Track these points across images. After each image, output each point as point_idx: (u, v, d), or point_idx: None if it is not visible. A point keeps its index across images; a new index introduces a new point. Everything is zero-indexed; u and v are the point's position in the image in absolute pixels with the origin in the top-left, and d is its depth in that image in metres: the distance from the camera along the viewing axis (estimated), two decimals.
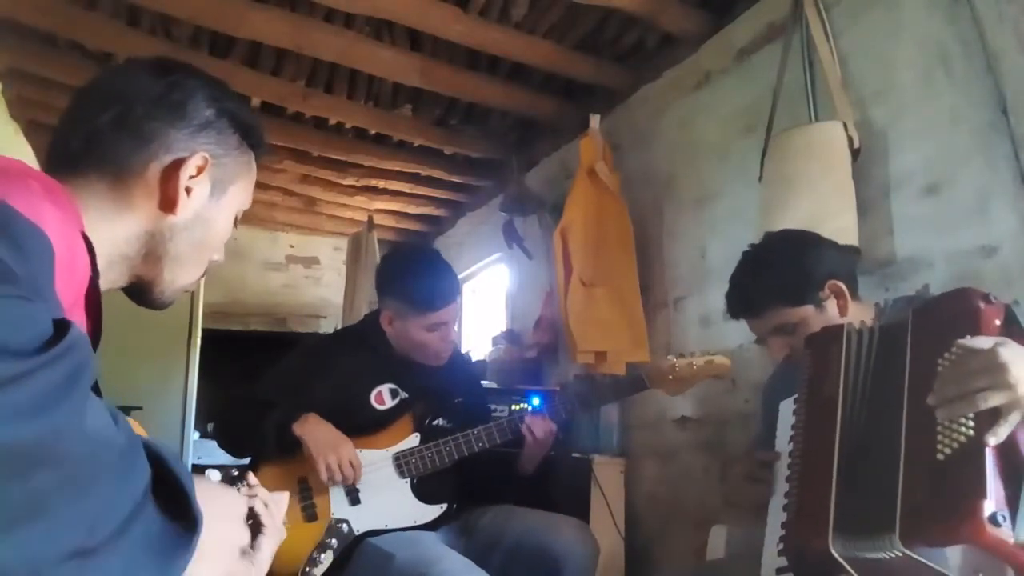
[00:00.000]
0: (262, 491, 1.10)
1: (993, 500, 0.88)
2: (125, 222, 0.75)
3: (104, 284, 0.78)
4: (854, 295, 1.40)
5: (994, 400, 0.91)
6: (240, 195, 0.86)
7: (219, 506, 0.75)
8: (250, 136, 0.86)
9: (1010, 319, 1.02)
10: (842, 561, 1.01)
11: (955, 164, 1.75)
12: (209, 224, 0.82)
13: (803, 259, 1.39)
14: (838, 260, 1.43)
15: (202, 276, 0.87)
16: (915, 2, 1.86)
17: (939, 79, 1.79)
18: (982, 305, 1.02)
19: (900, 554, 0.95)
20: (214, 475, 1.13)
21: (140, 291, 0.82)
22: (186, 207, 0.78)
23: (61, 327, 0.49)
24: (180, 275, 0.82)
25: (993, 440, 0.90)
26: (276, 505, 1.10)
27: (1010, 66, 1.62)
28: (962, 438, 0.93)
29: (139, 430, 0.90)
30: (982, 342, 0.95)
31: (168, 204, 0.76)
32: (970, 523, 0.88)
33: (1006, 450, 0.91)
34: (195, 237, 0.81)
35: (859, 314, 1.37)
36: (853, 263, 1.46)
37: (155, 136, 0.76)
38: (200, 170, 0.78)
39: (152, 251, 0.78)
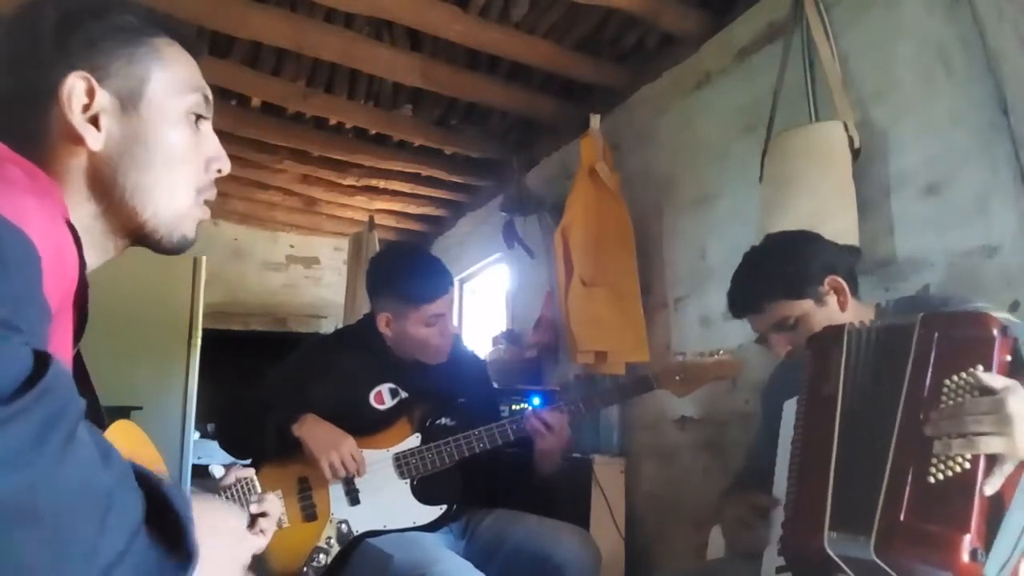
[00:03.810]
0: (269, 500, 1.11)
1: (975, 536, 0.89)
2: (70, 185, 0.69)
3: (101, 257, 0.74)
4: (854, 293, 1.41)
5: (995, 448, 0.92)
6: (168, 90, 0.74)
7: (221, 526, 0.73)
8: (136, 25, 0.74)
9: (1016, 355, 1.01)
10: (838, 560, 1.01)
11: (955, 164, 1.74)
12: (145, 138, 0.72)
13: (801, 253, 1.41)
14: (836, 256, 1.44)
15: (200, 194, 0.78)
16: (915, 2, 1.86)
17: (939, 79, 1.78)
18: (998, 336, 1.00)
19: (871, 561, 0.96)
20: (217, 470, 1.14)
21: (145, 241, 0.75)
22: (99, 137, 0.69)
23: (41, 362, 0.45)
24: (159, 204, 0.73)
25: (989, 490, 0.92)
26: (273, 517, 1.11)
27: (1010, 66, 1.62)
28: (958, 468, 0.94)
29: (136, 433, 0.90)
30: (994, 380, 0.95)
31: (79, 141, 0.68)
32: (950, 553, 0.89)
33: (993, 493, 0.93)
34: (139, 159, 0.71)
35: (860, 313, 1.38)
36: (852, 262, 1.47)
37: (29, 89, 0.69)
38: (90, 93, 0.69)
39: (109, 195, 0.71)
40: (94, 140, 0.69)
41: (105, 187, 0.71)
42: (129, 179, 0.71)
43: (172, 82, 0.75)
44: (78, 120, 0.68)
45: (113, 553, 0.45)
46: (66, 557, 0.42)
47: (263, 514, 1.10)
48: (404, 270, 1.80)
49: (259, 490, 1.13)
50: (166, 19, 0.77)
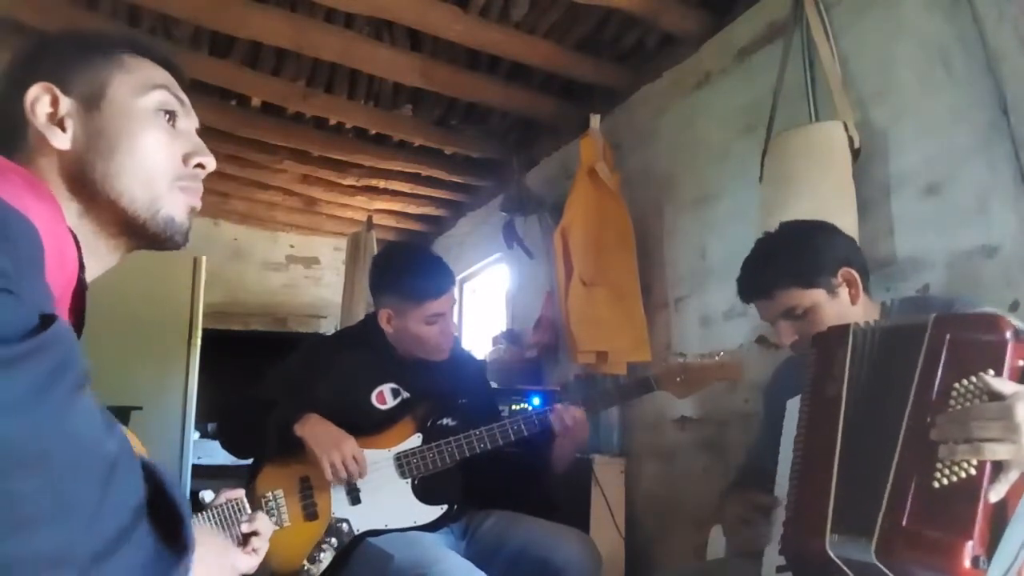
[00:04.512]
0: (259, 519, 1.11)
1: (978, 542, 0.89)
2: (50, 187, 0.72)
3: (99, 262, 0.76)
4: (866, 288, 1.39)
5: (1001, 454, 0.91)
6: (130, 90, 0.78)
7: (208, 536, 0.73)
8: (104, 44, 0.79)
9: None
10: (838, 561, 1.01)
11: (955, 164, 1.75)
12: (107, 131, 0.76)
13: (816, 242, 1.39)
14: (852, 249, 1.42)
15: (179, 181, 0.79)
16: (915, 2, 1.86)
17: (939, 79, 1.79)
18: (1011, 340, 0.98)
19: (872, 564, 0.96)
20: (207, 495, 1.14)
21: (133, 232, 0.77)
22: (64, 137, 0.74)
23: (46, 320, 0.47)
24: (132, 188, 0.75)
25: (994, 497, 0.91)
26: (264, 536, 1.11)
27: (1010, 66, 1.62)
28: (963, 474, 0.93)
29: (132, 438, 0.90)
30: (1005, 386, 0.94)
31: (47, 143, 0.73)
32: (951, 559, 0.89)
33: (998, 500, 0.92)
34: (103, 151, 0.75)
35: (868, 310, 1.37)
36: (864, 257, 1.44)
37: (10, 108, 0.74)
38: (54, 102, 0.74)
39: (85, 189, 0.74)
40: (59, 140, 0.74)
41: (80, 183, 0.74)
42: (97, 170, 0.74)
43: (134, 83, 0.79)
44: (42, 123, 0.74)
45: (114, 526, 0.45)
46: (67, 511, 0.42)
47: (254, 533, 1.10)
48: (406, 267, 1.80)
49: (249, 510, 1.13)
50: (137, 40, 0.83)
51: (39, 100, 0.74)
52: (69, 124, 0.75)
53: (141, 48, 0.82)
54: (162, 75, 0.82)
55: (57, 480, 0.42)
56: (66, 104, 0.75)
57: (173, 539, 0.50)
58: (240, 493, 1.13)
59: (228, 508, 1.10)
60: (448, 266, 1.85)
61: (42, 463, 0.42)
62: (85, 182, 0.74)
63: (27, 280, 0.50)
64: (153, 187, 0.77)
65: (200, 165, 0.82)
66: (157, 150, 0.78)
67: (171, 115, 0.81)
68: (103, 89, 0.77)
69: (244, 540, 1.09)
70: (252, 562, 1.08)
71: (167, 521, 0.50)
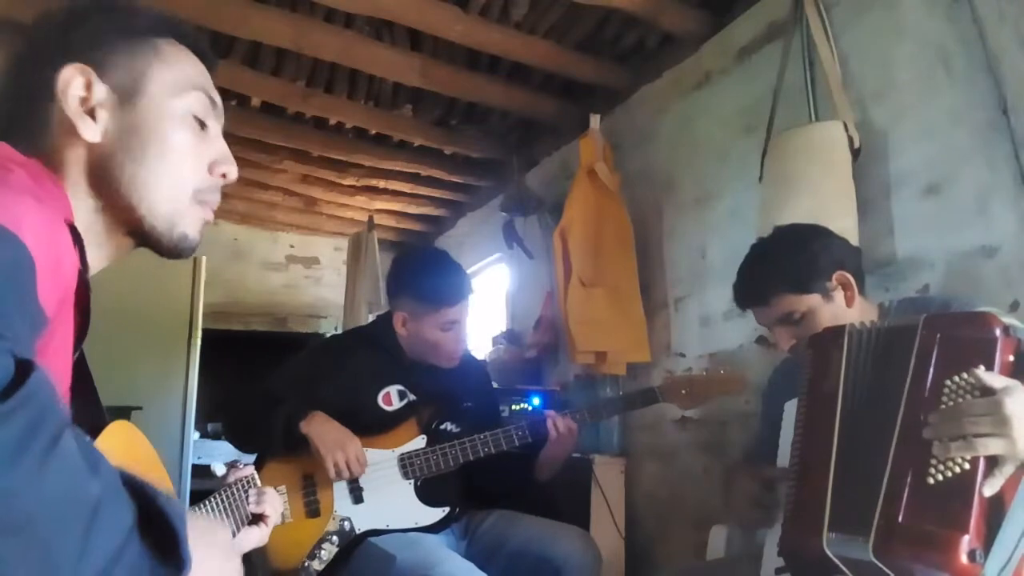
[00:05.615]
0: (270, 496, 1.11)
1: (974, 536, 0.89)
2: (70, 180, 0.69)
3: (106, 257, 0.74)
4: (861, 290, 1.40)
5: (994, 449, 0.91)
6: (167, 88, 0.74)
7: (211, 539, 0.72)
8: (142, 26, 0.75)
9: (1019, 356, 1.00)
10: (836, 561, 1.02)
11: (955, 164, 1.75)
12: (141, 132, 0.71)
13: (811, 247, 1.39)
14: (846, 252, 1.43)
15: (200, 195, 0.76)
16: (915, 2, 1.86)
17: (939, 79, 1.79)
18: (1000, 336, 0.99)
19: (869, 562, 0.96)
20: (219, 469, 1.14)
21: (146, 240, 0.75)
22: (95, 128, 0.70)
23: (23, 369, 0.45)
24: (154, 198, 0.72)
25: (988, 491, 0.91)
26: (275, 511, 1.10)
27: (1010, 66, 1.62)
28: (957, 469, 0.93)
29: (133, 433, 0.89)
30: (995, 380, 0.94)
31: (76, 133, 0.69)
32: (948, 553, 0.89)
33: (993, 494, 0.93)
34: (135, 152, 0.71)
35: (864, 312, 1.38)
36: (860, 259, 1.46)
37: (33, 86, 0.70)
38: (88, 86, 0.69)
39: (107, 188, 0.70)
40: (91, 131, 0.69)
41: (103, 181, 0.70)
42: (125, 172, 0.71)
43: (172, 81, 0.75)
44: (73, 111, 0.69)
45: (102, 561, 0.44)
46: (50, 566, 0.42)
47: (262, 514, 1.10)
48: (425, 272, 1.80)
49: (259, 483, 1.13)
50: (176, 24, 0.78)
51: (72, 83, 0.69)
52: (101, 115, 0.70)
53: (182, 35, 0.77)
54: (199, 72, 0.78)
55: (39, 540, 0.41)
56: (101, 92, 0.70)
57: (169, 557, 0.49)
58: (250, 471, 1.12)
59: (240, 486, 1.09)
60: (467, 274, 1.86)
61: (23, 527, 0.41)
62: (110, 180, 0.70)
63: (9, 317, 0.48)
64: (176, 200, 0.74)
65: (224, 175, 0.79)
66: (183, 160, 0.74)
67: (203, 121, 0.78)
68: (141, 82, 0.72)
69: (253, 518, 1.09)
70: (261, 535, 1.08)
71: (163, 539, 0.49)
